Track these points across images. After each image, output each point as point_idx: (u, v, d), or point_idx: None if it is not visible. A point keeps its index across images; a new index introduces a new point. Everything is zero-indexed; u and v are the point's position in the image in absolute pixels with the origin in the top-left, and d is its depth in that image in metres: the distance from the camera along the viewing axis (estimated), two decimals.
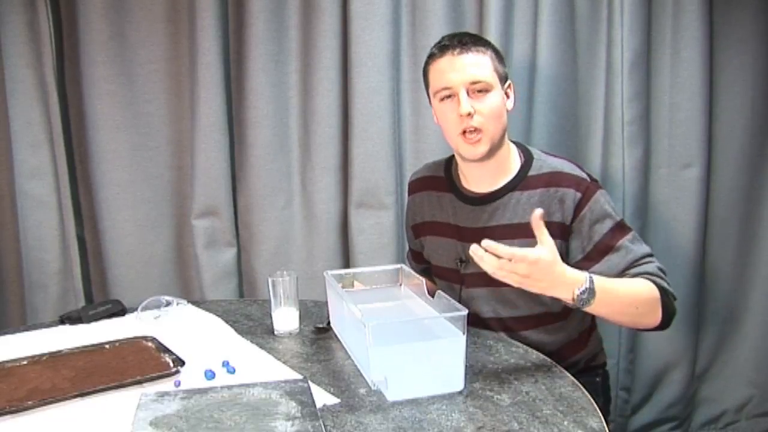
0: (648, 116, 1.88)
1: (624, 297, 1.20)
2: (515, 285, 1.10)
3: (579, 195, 1.28)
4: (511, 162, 1.36)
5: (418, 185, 1.52)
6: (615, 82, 1.82)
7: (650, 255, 1.29)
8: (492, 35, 1.74)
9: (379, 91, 1.79)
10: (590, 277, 1.14)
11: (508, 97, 1.34)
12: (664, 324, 1.26)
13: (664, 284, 1.25)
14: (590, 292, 1.13)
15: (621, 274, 1.25)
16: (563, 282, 1.12)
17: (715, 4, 1.85)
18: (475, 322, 1.36)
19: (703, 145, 1.88)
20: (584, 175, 1.32)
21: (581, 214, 1.28)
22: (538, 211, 1.11)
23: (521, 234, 1.30)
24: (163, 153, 1.91)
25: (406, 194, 1.88)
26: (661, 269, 1.27)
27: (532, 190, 1.32)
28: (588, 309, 1.15)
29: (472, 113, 1.27)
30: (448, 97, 1.30)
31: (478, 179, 1.38)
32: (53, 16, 1.82)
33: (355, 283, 1.44)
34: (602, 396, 1.47)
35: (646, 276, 1.24)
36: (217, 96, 1.82)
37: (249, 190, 1.89)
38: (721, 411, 2.08)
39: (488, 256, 1.06)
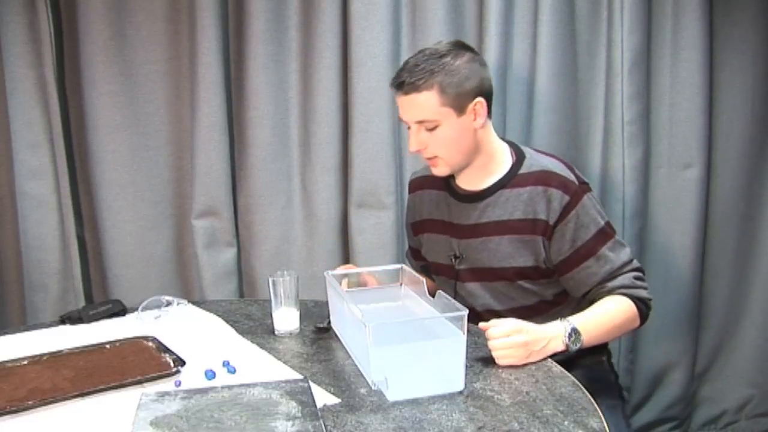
0: (648, 116, 1.88)
1: (606, 325, 1.28)
2: (524, 361, 1.16)
3: (567, 198, 1.30)
4: (500, 161, 1.38)
5: (417, 184, 1.56)
6: (615, 82, 1.82)
7: (628, 262, 1.33)
8: (492, 35, 1.74)
9: (379, 91, 1.79)
10: (566, 319, 1.23)
11: (476, 116, 1.32)
12: (642, 325, 1.36)
13: (641, 293, 1.32)
14: (575, 332, 1.21)
15: (597, 285, 1.32)
16: (551, 334, 1.20)
17: (715, 4, 1.85)
18: (470, 317, 1.36)
19: (703, 145, 1.88)
20: (573, 177, 1.33)
21: (567, 217, 1.30)
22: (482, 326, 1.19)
23: (510, 230, 1.35)
24: (163, 153, 1.91)
25: (407, 193, 1.89)
26: (637, 277, 1.33)
27: (522, 187, 1.34)
28: (581, 346, 1.22)
29: (421, 149, 1.34)
30: (409, 127, 1.35)
31: (466, 178, 1.41)
32: (53, 17, 1.81)
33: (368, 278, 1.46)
34: (612, 373, 1.48)
35: (621, 291, 1.31)
36: (217, 96, 1.82)
37: (249, 190, 1.88)
38: (721, 411, 2.08)
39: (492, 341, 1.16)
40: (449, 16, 1.80)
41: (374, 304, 1.37)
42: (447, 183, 1.46)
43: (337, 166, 1.89)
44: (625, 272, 1.32)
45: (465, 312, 1.08)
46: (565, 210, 1.30)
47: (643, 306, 1.33)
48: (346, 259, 1.93)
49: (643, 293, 1.32)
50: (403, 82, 1.30)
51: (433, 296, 1.23)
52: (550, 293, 1.40)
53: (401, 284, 1.42)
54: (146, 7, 1.82)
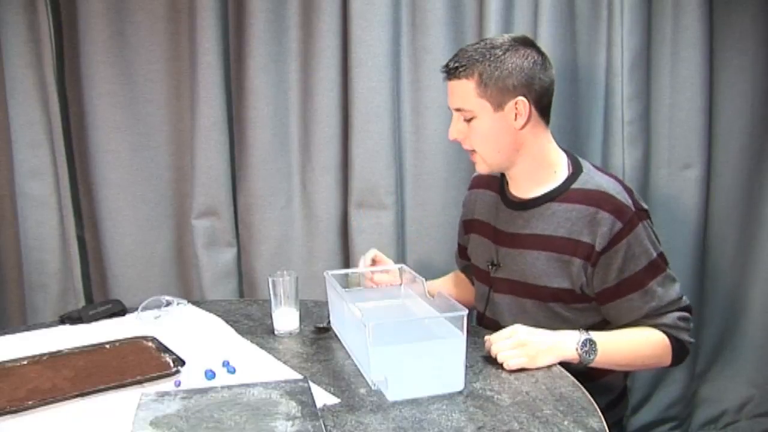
0: (648, 116, 1.88)
1: (628, 350, 1.24)
2: (528, 363, 1.15)
3: (619, 225, 1.21)
4: (552, 171, 1.31)
5: (478, 181, 1.51)
6: (615, 82, 1.82)
7: (677, 300, 1.26)
8: (492, 35, 1.74)
9: (379, 91, 1.79)
10: (582, 330, 1.19)
11: (517, 115, 1.25)
12: (674, 365, 1.29)
13: (682, 336, 1.25)
14: (590, 343, 1.17)
15: (638, 321, 1.25)
16: (560, 340, 1.18)
17: (715, 4, 1.85)
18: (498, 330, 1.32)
19: (703, 145, 1.88)
20: (629, 202, 1.24)
21: (617, 246, 1.21)
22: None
23: (550, 247, 1.27)
24: (163, 153, 1.91)
25: (407, 194, 1.89)
26: (682, 317, 1.25)
27: (571, 204, 1.26)
28: (595, 363, 1.18)
29: (458, 138, 1.30)
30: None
31: (516, 183, 1.36)
32: (53, 17, 1.81)
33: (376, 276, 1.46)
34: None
35: (662, 328, 1.24)
36: (217, 96, 1.82)
37: (249, 190, 1.88)
38: (721, 411, 2.08)
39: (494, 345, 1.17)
40: (449, 16, 1.80)
41: (374, 304, 1.37)
42: (502, 187, 1.41)
43: (337, 166, 1.88)
44: (671, 311, 1.24)
45: (465, 312, 1.08)
46: (616, 238, 1.21)
47: (680, 348, 1.25)
48: (346, 259, 1.93)
49: (684, 336, 1.25)
50: (447, 66, 1.27)
51: (433, 296, 1.23)
52: (584, 323, 1.27)
53: (401, 284, 1.42)
54: (146, 7, 1.82)
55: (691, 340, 1.26)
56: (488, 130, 1.26)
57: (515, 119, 1.26)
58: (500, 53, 1.24)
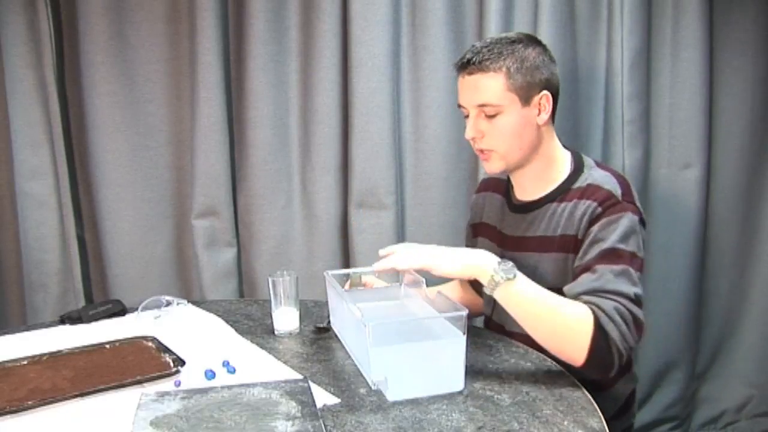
0: (648, 116, 1.88)
1: (548, 301, 1.12)
2: (430, 263, 1.15)
3: (599, 210, 1.19)
4: (557, 171, 1.29)
5: (485, 185, 1.49)
6: (615, 82, 1.82)
7: (624, 295, 1.11)
8: (492, 35, 1.74)
9: (379, 91, 1.79)
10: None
11: (541, 110, 1.24)
12: (592, 366, 1.10)
13: (612, 332, 1.08)
14: (510, 264, 1.12)
15: (577, 296, 1.14)
16: (474, 251, 1.18)
17: (715, 4, 1.85)
18: (508, 335, 1.32)
19: (703, 145, 1.88)
20: (618, 193, 1.20)
21: (591, 228, 1.18)
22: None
23: (552, 248, 1.26)
24: (163, 153, 1.91)
25: (407, 194, 1.89)
26: (621, 313, 1.09)
27: (567, 202, 1.25)
28: (506, 296, 1.12)
29: (477, 138, 1.26)
30: (467, 115, 1.28)
31: (521, 186, 1.35)
32: (53, 17, 1.82)
33: (373, 280, 1.45)
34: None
35: (594, 307, 1.10)
36: (217, 96, 1.82)
37: (249, 190, 1.89)
38: (721, 411, 2.08)
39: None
40: (449, 16, 1.80)
41: (374, 304, 1.37)
42: (507, 190, 1.40)
43: (337, 166, 1.89)
44: (613, 299, 1.11)
45: (465, 312, 1.08)
46: (592, 221, 1.19)
47: (603, 341, 1.08)
48: (346, 259, 1.93)
49: (613, 333, 1.08)
50: (470, 61, 1.22)
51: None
52: None
53: (401, 284, 1.42)
54: (146, 7, 1.82)
55: (622, 346, 1.09)
56: (514, 126, 1.23)
57: (539, 114, 1.25)
58: (522, 47, 1.24)
